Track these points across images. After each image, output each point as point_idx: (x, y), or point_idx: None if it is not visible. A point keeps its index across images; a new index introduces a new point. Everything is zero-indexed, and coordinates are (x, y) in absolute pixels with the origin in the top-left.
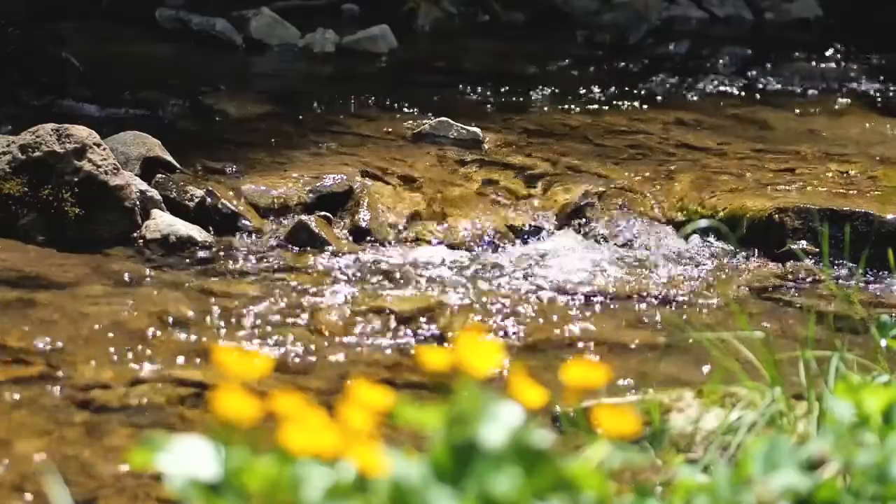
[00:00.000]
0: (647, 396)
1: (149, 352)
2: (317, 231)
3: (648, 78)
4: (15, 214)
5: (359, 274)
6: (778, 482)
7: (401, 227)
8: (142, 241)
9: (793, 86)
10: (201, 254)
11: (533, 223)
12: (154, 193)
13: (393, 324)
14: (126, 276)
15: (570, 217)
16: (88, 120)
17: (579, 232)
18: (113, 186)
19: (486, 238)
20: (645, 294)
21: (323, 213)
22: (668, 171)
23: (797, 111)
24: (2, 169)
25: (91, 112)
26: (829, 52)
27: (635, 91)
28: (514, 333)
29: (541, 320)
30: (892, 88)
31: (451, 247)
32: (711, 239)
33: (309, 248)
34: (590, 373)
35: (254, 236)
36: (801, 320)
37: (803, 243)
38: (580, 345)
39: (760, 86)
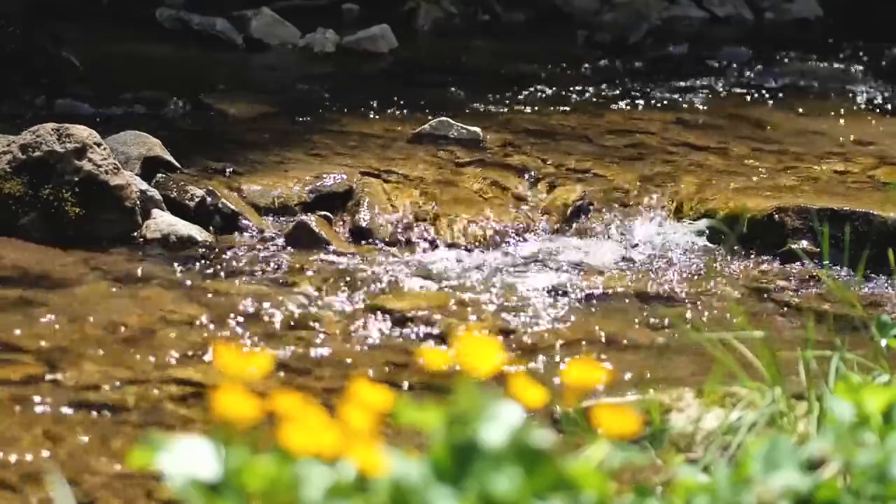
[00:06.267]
0: (647, 396)
1: (149, 352)
2: (317, 231)
3: (648, 78)
4: (15, 214)
5: (359, 273)
6: (778, 482)
7: (401, 227)
8: (142, 240)
9: (793, 86)
10: (201, 253)
11: (533, 223)
12: (154, 193)
13: (393, 324)
14: (126, 276)
15: (570, 217)
16: (88, 119)
17: (579, 232)
18: (113, 186)
19: (486, 238)
20: (645, 294)
21: (323, 212)
22: (668, 170)
23: (797, 111)
24: (2, 169)
25: (91, 112)
26: (829, 52)
27: (635, 91)
28: (514, 333)
29: (541, 320)
30: (892, 88)
31: (451, 247)
32: (711, 239)
33: (309, 248)
34: (590, 373)
35: (254, 236)
36: (801, 320)
37: (803, 243)
38: (580, 345)
39: (760, 86)
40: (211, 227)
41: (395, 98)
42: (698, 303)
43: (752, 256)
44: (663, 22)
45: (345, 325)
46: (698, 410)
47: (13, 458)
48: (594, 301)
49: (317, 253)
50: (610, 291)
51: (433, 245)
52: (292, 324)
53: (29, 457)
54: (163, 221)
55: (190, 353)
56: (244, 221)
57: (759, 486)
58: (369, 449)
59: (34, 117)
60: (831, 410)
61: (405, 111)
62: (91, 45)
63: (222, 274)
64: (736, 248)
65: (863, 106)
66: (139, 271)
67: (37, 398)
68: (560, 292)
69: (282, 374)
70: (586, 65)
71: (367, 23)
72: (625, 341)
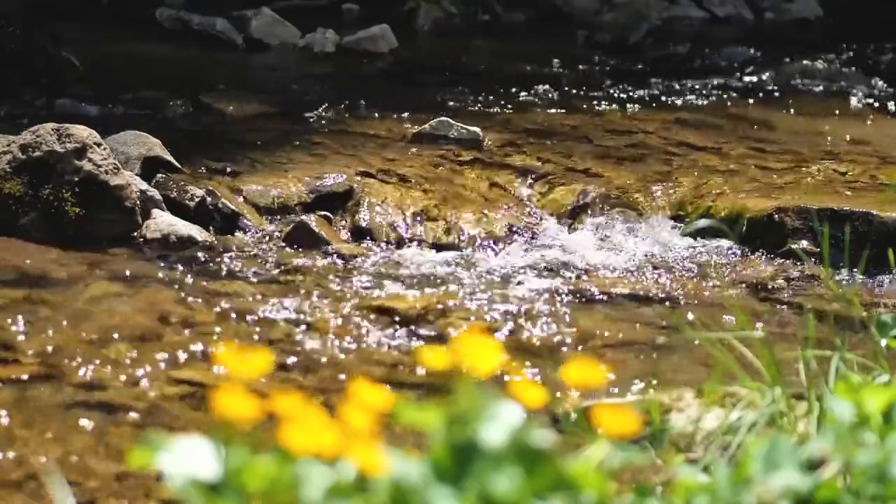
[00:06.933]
0: (647, 396)
1: (149, 352)
2: (317, 231)
3: (648, 78)
4: (15, 214)
5: (359, 273)
6: (778, 482)
7: (401, 227)
8: (142, 240)
9: (793, 86)
10: (201, 253)
11: (533, 223)
12: (154, 193)
13: (393, 324)
14: (126, 276)
15: (570, 217)
16: (88, 119)
17: (579, 232)
18: (113, 186)
19: (486, 238)
20: (645, 294)
21: (323, 212)
22: (668, 170)
23: (797, 111)
24: (2, 169)
25: (91, 111)
26: (829, 52)
27: (635, 91)
28: (513, 333)
29: (541, 320)
30: (892, 88)
31: (451, 246)
32: (711, 239)
33: (309, 248)
34: (590, 373)
35: (254, 236)
36: (801, 320)
37: (803, 243)
38: (580, 345)
39: (760, 86)
40: (211, 227)
41: (395, 98)
42: (698, 303)
43: (752, 256)
44: (663, 22)
45: (345, 325)
46: (698, 410)
47: (13, 458)
48: (594, 301)
49: (317, 253)
50: (609, 291)
51: (433, 245)
52: (292, 324)
53: (29, 457)
54: (163, 221)
55: (190, 353)
56: (244, 221)
57: (759, 486)
58: (369, 449)
59: (34, 117)
60: (831, 410)
61: (405, 111)
62: (91, 45)
63: (222, 274)
64: (736, 248)
65: (863, 106)
66: (139, 271)
67: (37, 398)
68: (560, 292)
69: (282, 374)
70: (586, 65)
71: (367, 23)
72: (625, 341)
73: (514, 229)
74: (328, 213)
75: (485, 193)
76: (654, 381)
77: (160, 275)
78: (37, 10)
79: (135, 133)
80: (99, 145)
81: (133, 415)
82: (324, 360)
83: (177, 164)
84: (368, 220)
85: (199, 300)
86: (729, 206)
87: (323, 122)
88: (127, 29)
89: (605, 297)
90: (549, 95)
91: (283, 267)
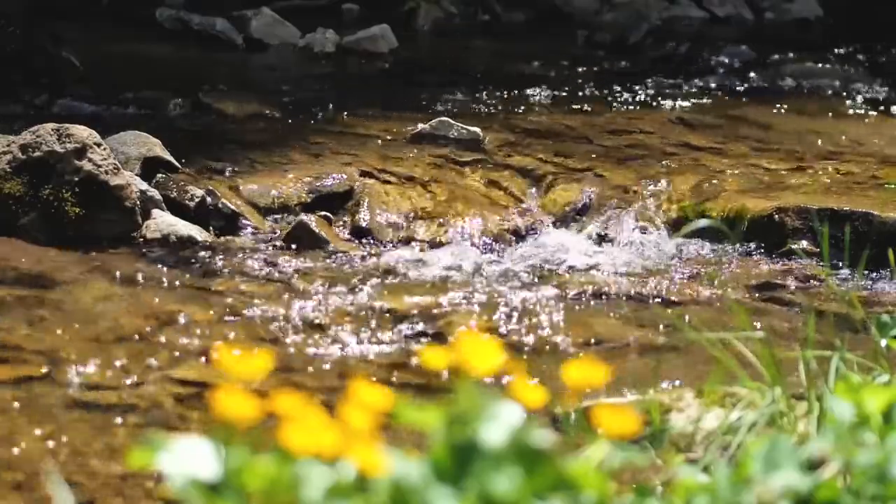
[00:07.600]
0: (647, 396)
1: (149, 352)
2: (317, 231)
3: (648, 78)
4: (15, 214)
5: (359, 273)
6: (778, 482)
7: (401, 227)
8: (142, 240)
9: (793, 86)
10: (202, 254)
11: (532, 223)
12: (154, 193)
13: (393, 324)
14: (126, 276)
15: (570, 217)
16: (88, 119)
17: (579, 232)
18: (113, 186)
19: (486, 238)
20: (645, 294)
21: (323, 212)
22: (667, 171)
23: (797, 111)
24: (2, 169)
25: (91, 111)
26: (829, 52)
27: (635, 91)
28: (514, 333)
29: (541, 320)
30: (892, 88)
31: (451, 246)
32: (711, 239)
33: (309, 248)
34: (590, 373)
35: (254, 236)
36: (801, 320)
37: (803, 243)
38: (580, 345)
39: (760, 86)
40: (211, 227)
41: (395, 98)
42: (698, 303)
43: (752, 256)
44: (663, 22)
45: (345, 325)
46: (698, 410)
47: (13, 458)
48: (594, 301)
49: (317, 253)
50: (609, 291)
51: (433, 245)
52: (292, 323)
53: (29, 457)
54: (163, 221)
55: (190, 353)
56: (244, 221)
57: (759, 486)
58: (369, 449)
59: (34, 117)
60: (831, 410)
61: (405, 111)
62: (91, 45)
63: (222, 274)
64: (736, 248)
65: (863, 106)
66: (139, 271)
67: (37, 398)
68: (560, 292)
69: (282, 374)
70: (586, 65)
71: (367, 23)
72: (625, 341)
73: (514, 229)
74: (328, 213)
75: (485, 193)
76: (654, 381)
77: (160, 275)
78: (37, 10)
79: (135, 133)
80: (99, 145)
81: (133, 415)
82: (323, 359)
83: (177, 164)
84: (368, 220)
85: (199, 300)
86: (729, 206)
87: (323, 122)
88: (127, 29)
89: (604, 298)
90: (549, 95)
91: (282, 267)
